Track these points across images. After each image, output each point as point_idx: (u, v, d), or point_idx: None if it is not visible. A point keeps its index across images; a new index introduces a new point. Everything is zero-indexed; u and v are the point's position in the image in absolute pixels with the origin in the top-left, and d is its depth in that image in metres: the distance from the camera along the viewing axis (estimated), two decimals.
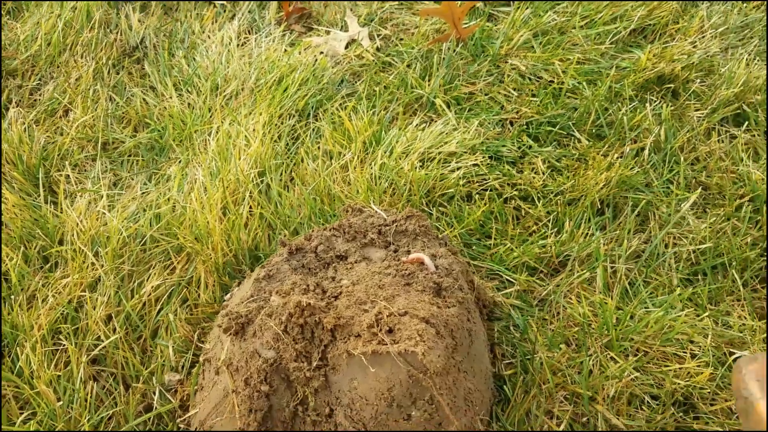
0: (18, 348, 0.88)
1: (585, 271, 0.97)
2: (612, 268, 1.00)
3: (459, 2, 1.33)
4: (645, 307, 0.95)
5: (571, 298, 0.96)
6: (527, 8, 1.46)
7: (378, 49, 1.43)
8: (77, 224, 1.02)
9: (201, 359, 0.80)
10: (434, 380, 0.62)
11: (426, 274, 0.73)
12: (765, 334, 0.91)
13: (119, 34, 1.39)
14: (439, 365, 0.62)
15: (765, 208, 1.06)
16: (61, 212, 1.05)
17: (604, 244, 1.01)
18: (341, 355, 0.64)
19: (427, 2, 1.53)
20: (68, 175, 1.14)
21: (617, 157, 1.14)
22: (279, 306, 0.68)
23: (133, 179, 1.16)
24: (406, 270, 0.73)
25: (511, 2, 1.50)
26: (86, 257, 0.98)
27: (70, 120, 1.25)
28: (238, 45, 1.40)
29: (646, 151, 1.16)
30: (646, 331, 0.92)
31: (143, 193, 1.12)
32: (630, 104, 1.25)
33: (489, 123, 1.25)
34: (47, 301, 0.94)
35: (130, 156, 1.21)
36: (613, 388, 0.85)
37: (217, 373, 0.74)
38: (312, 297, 0.68)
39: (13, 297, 0.94)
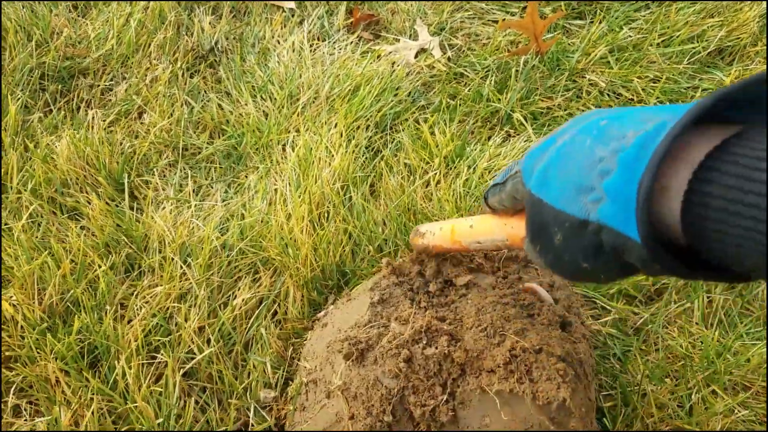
0: (111, 359, 0.87)
1: (684, 301, 0.95)
2: (708, 297, 0.97)
3: (542, 16, 1.30)
4: (742, 341, 0.93)
5: (669, 329, 0.94)
6: (602, 22, 1.43)
7: (449, 59, 1.41)
8: (165, 232, 1.01)
9: (304, 379, 0.79)
10: (577, 425, 0.60)
11: (547, 306, 0.71)
12: None
13: (193, 36, 1.37)
14: (583, 409, 0.60)
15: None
16: (147, 219, 1.04)
17: None
18: (473, 391, 0.62)
19: (498, 12, 1.50)
20: (147, 181, 1.13)
21: None
22: (401, 334, 0.67)
23: (212, 187, 1.15)
24: (524, 300, 0.72)
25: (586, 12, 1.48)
26: (175, 266, 0.97)
27: (145, 123, 1.24)
28: (309, 51, 1.39)
29: None
30: (747, 366, 0.90)
31: (224, 201, 1.11)
32: None
33: None
34: (135, 310, 0.93)
35: (207, 163, 1.19)
36: (720, 424, 0.83)
37: (328, 397, 0.73)
38: (435, 325, 0.67)
39: (104, 307, 0.93)
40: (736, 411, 0.84)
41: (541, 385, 0.60)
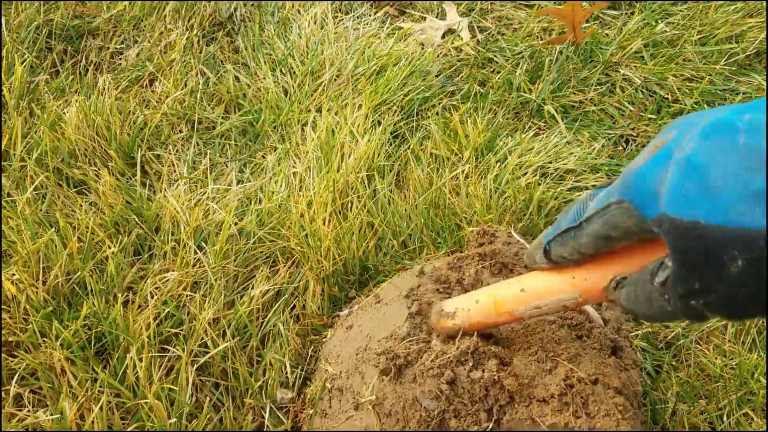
0: (120, 350, 0.82)
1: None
2: None
3: (583, 3, 1.24)
4: None
5: (701, 345, 0.90)
6: (638, 14, 1.37)
7: (478, 42, 1.35)
8: (178, 213, 0.95)
9: (328, 385, 0.75)
10: None
11: (594, 327, 0.66)
12: None
13: (211, 1, 1.30)
14: None
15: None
16: (160, 198, 0.98)
17: None
18: (522, 421, 0.58)
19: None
20: (159, 155, 1.07)
21: None
22: (444, 353, 0.62)
23: (227, 166, 1.09)
24: (572, 319, 0.67)
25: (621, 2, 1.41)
26: (189, 252, 0.91)
27: (156, 91, 1.17)
28: (332, 25, 1.31)
29: None
30: None
31: (240, 183, 1.05)
32: None
33: (601, 137, 1.18)
34: (145, 296, 0.88)
35: (222, 139, 1.13)
36: None
37: (357, 409, 0.69)
38: (482, 346, 0.62)
39: (113, 291, 0.88)
40: None
41: (599, 421, 0.56)
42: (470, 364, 0.61)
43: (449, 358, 0.61)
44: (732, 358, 0.89)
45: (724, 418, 0.84)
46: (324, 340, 0.85)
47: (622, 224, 0.44)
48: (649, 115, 1.22)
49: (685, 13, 1.39)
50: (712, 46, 1.33)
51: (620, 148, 1.18)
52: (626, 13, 1.40)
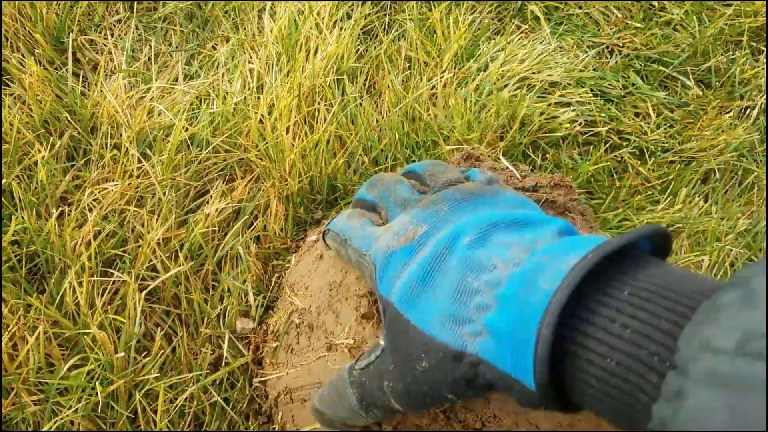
0: (55, 272, 0.73)
1: (697, 251, 0.89)
2: (719, 245, 0.92)
3: None
4: None
5: None
6: None
7: None
8: (117, 113, 0.83)
9: (295, 320, 0.68)
10: None
11: None
12: None
13: None
14: None
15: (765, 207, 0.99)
16: (95, 93, 0.85)
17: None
18: None
19: None
20: (93, 41, 0.92)
21: (738, 117, 1.02)
22: None
23: (171, 56, 0.95)
24: None
25: None
26: (132, 159, 0.80)
27: None
28: None
29: (755, 113, 1.05)
30: None
31: (187, 78, 0.92)
32: (743, 53, 1.11)
33: (585, 45, 1.09)
34: (82, 209, 0.77)
35: (165, 23, 0.98)
36: None
37: (329, 349, 0.63)
38: None
39: (45, 202, 0.76)
40: None
41: None
42: None
43: None
44: None
45: None
46: (288, 266, 0.78)
47: (366, 273, 0.50)
48: (636, 24, 1.13)
49: None
50: None
51: (604, 59, 1.09)
52: None
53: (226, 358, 0.72)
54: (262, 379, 0.71)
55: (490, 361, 0.38)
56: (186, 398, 0.68)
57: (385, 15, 1.04)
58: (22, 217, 0.74)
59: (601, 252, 0.34)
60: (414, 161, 0.87)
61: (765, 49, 1.13)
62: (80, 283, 0.71)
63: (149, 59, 0.92)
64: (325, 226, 0.59)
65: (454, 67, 0.97)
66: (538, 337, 0.33)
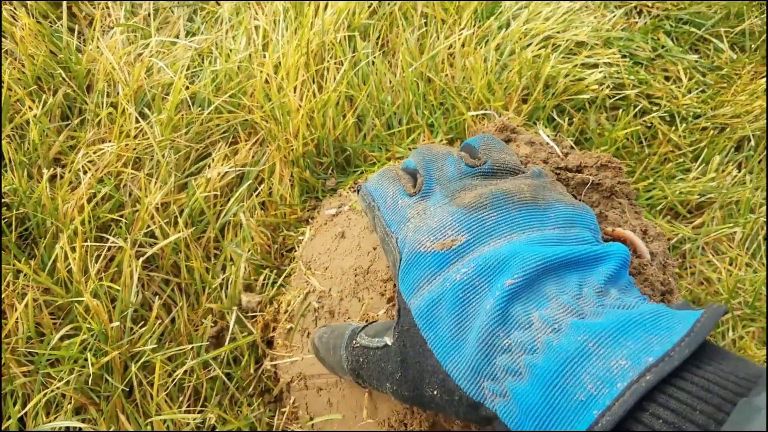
0: (47, 236, 0.68)
1: (730, 223, 0.83)
2: (752, 217, 0.86)
3: None
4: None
5: (706, 251, 0.83)
6: None
7: None
8: (114, 70, 0.78)
9: (314, 303, 0.62)
10: None
11: (646, 264, 0.54)
12: None
13: None
14: None
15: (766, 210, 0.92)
16: (91, 49, 0.80)
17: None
18: None
19: None
20: None
21: None
22: None
23: (172, 12, 0.89)
24: None
25: None
26: (130, 119, 0.75)
27: None
28: None
29: None
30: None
31: (189, 34, 0.87)
32: None
33: (612, 5, 1.02)
34: (76, 171, 0.73)
35: None
36: None
37: None
38: None
39: (36, 163, 0.72)
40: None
41: None
42: None
43: None
44: (739, 269, 0.82)
45: (729, 333, 0.78)
46: (301, 239, 0.72)
47: (390, 258, 0.46)
48: None
49: None
50: None
51: (632, 20, 1.03)
52: None
53: (232, 333, 0.68)
54: (276, 362, 0.66)
55: (508, 423, 0.35)
56: (186, 372, 0.64)
57: None
58: (13, 178, 0.69)
59: (657, 375, 0.30)
60: (431, 125, 0.81)
61: None
62: (73, 249, 0.67)
63: (149, 15, 0.87)
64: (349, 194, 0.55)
65: (474, 25, 0.91)
66: None
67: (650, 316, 0.33)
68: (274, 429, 0.64)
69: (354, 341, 0.47)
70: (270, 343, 0.68)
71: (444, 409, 0.40)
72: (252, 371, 0.66)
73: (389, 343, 0.43)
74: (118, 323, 0.64)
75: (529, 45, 0.90)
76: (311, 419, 0.61)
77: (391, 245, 0.45)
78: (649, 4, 1.03)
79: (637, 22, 1.02)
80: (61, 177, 0.72)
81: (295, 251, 0.71)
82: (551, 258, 0.38)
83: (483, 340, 0.36)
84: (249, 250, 0.71)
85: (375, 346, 0.45)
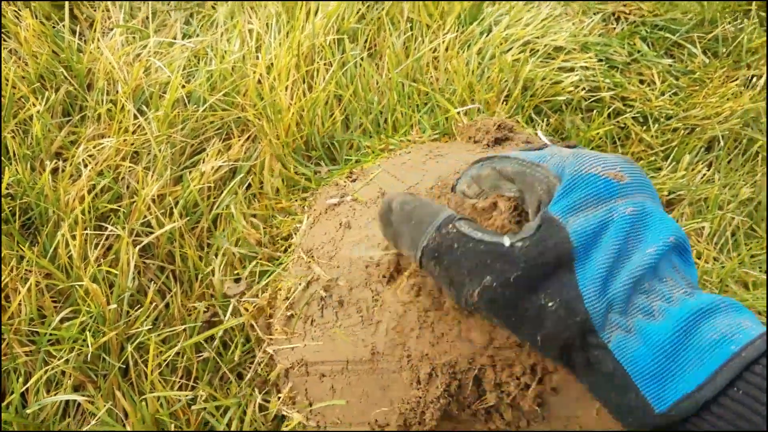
0: (48, 225, 0.72)
1: (699, 219, 0.88)
2: (720, 213, 0.90)
3: None
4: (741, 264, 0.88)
5: None
6: None
7: None
8: (114, 69, 0.82)
9: (321, 292, 0.64)
10: None
11: None
12: None
13: None
14: None
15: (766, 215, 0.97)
16: (92, 49, 0.84)
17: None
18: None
19: None
20: None
21: (745, 86, 1.00)
22: None
23: (170, 15, 0.94)
24: None
25: None
26: (128, 116, 0.79)
27: None
28: None
29: (762, 82, 1.03)
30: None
31: (186, 36, 0.91)
32: (751, 22, 1.09)
33: (591, 11, 1.07)
34: (77, 164, 0.77)
35: None
36: None
37: (365, 327, 0.60)
38: None
39: (39, 156, 0.76)
40: None
41: None
42: None
43: None
44: (706, 262, 0.86)
45: None
46: (299, 227, 0.75)
47: (530, 186, 0.45)
48: None
49: None
50: None
51: (610, 26, 1.07)
52: None
53: (226, 317, 0.71)
54: (276, 348, 0.68)
55: (620, 356, 0.38)
56: (178, 353, 0.68)
57: None
58: (17, 170, 0.73)
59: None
60: (419, 122, 0.86)
61: None
62: (73, 236, 0.71)
63: (147, 17, 0.91)
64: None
65: (457, 30, 0.95)
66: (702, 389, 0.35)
67: (730, 302, 0.39)
68: (268, 412, 0.68)
69: (450, 225, 0.46)
70: (267, 328, 0.71)
71: (536, 325, 0.41)
72: (239, 353, 0.70)
73: (508, 244, 0.42)
74: (115, 306, 0.68)
75: (509, 49, 0.94)
76: (310, 404, 0.62)
77: (538, 172, 0.45)
78: (626, 10, 1.08)
79: (614, 28, 1.07)
80: (63, 170, 0.76)
81: (292, 239, 0.75)
82: (682, 236, 0.42)
83: (635, 276, 0.39)
84: (238, 241, 0.75)
85: (485, 240, 0.43)
